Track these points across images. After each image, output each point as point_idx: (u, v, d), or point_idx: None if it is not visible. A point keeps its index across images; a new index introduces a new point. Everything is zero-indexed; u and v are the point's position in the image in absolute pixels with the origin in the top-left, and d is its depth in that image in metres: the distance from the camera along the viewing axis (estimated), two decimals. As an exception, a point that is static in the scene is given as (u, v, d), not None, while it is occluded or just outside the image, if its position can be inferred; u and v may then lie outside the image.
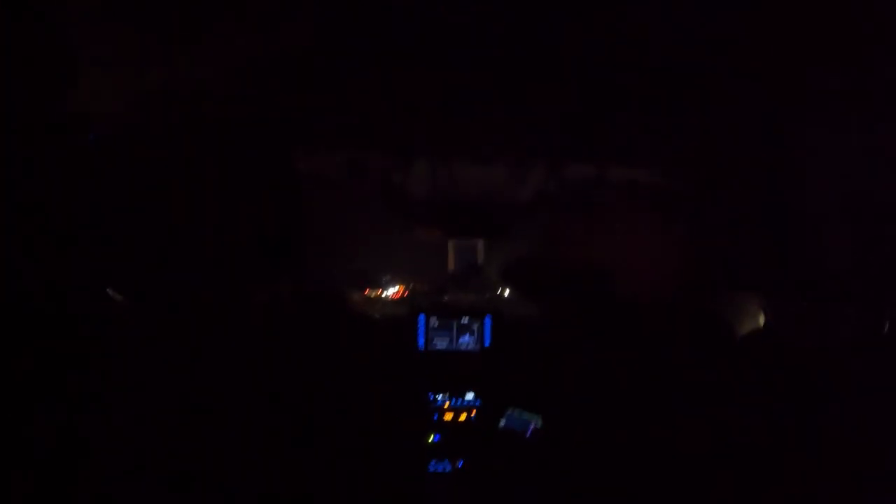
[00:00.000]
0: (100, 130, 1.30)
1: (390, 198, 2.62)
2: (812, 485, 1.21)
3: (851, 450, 1.23)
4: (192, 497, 1.14)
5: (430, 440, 2.95)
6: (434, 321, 3.08)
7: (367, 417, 1.46)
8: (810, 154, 1.64)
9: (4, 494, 1.03)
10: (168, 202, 1.27)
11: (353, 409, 1.43)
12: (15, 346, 1.10)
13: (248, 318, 1.38)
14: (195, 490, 1.14)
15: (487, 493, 2.40)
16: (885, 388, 1.28)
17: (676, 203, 1.72)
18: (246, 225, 1.32)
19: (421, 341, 3.07)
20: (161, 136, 1.33)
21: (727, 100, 1.52)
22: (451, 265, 3.99)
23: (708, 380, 1.37)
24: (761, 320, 1.79)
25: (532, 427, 2.54)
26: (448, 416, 2.99)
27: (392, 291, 5.53)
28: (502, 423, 2.66)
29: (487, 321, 3.08)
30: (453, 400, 3.02)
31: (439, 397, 3.01)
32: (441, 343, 3.08)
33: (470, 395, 3.02)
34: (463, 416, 3.00)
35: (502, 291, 3.93)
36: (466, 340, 3.09)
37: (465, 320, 3.09)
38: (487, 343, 3.08)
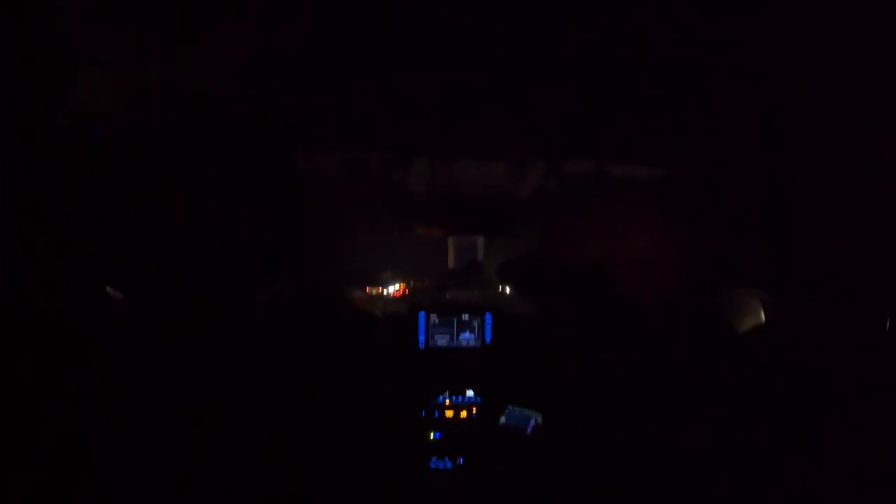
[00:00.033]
0: (100, 130, 1.29)
1: (390, 197, 2.61)
2: (812, 485, 1.21)
3: (851, 450, 1.23)
4: (192, 497, 1.14)
5: (430, 437, 2.95)
6: (434, 319, 3.08)
7: (367, 415, 1.47)
8: (810, 154, 1.64)
9: (5, 494, 1.03)
10: (168, 202, 1.27)
11: (353, 408, 1.43)
12: (15, 346, 1.10)
13: (248, 318, 1.38)
14: (195, 490, 1.14)
15: (488, 490, 2.39)
16: (885, 388, 1.28)
17: (676, 202, 1.72)
18: (246, 225, 1.32)
19: (421, 339, 3.07)
20: (161, 136, 1.33)
21: (727, 100, 1.52)
22: (451, 263, 3.99)
23: (708, 379, 1.37)
24: (761, 319, 1.79)
25: (532, 423, 2.54)
26: (448, 414, 2.99)
27: (392, 289, 5.53)
28: (503, 420, 2.66)
29: (488, 318, 3.08)
30: (453, 397, 3.02)
31: (440, 394, 3.01)
32: (441, 340, 3.08)
33: (470, 393, 3.02)
34: (463, 414, 3.00)
35: (503, 289, 3.92)
36: (467, 338, 3.08)
37: (465, 318, 3.09)
38: (488, 340, 3.08)
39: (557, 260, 1.67)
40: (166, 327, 1.24)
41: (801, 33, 1.24)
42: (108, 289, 1.32)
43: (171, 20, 1.23)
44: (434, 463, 2.87)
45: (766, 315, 1.77)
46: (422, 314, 3.07)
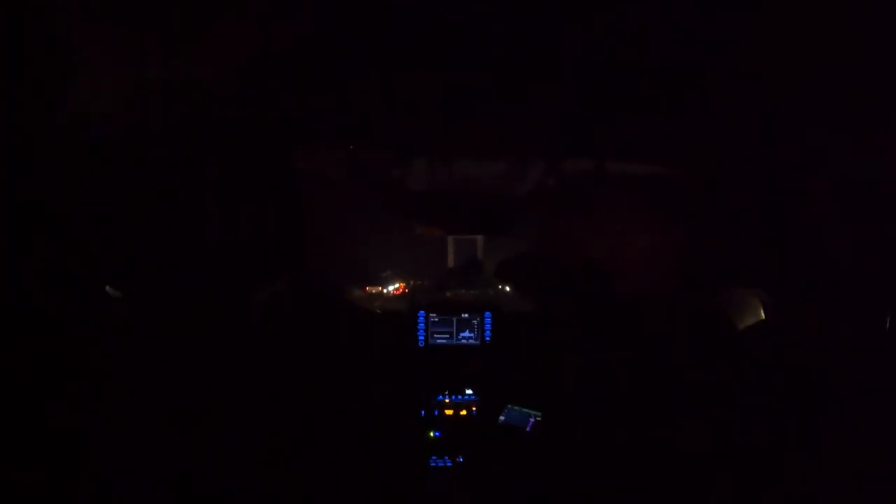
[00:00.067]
0: (100, 130, 1.29)
1: (390, 197, 2.62)
2: (812, 485, 1.21)
3: (851, 450, 1.23)
4: (192, 497, 1.14)
5: (430, 436, 2.95)
6: (434, 317, 3.09)
7: (367, 414, 1.47)
8: (810, 154, 1.64)
9: (5, 494, 1.03)
10: (168, 202, 1.27)
11: (353, 407, 1.43)
12: (15, 346, 1.10)
13: (248, 318, 1.38)
14: (195, 490, 1.14)
15: (488, 488, 2.40)
16: (885, 388, 1.28)
17: (676, 202, 1.72)
18: (246, 224, 1.32)
19: (421, 338, 3.08)
20: (161, 136, 1.33)
21: (727, 100, 1.52)
22: (451, 262, 4.00)
23: (708, 379, 1.37)
24: (761, 319, 1.79)
25: (532, 422, 2.54)
26: (448, 412, 3.00)
27: (392, 288, 5.54)
28: (502, 418, 2.67)
29: (487, 317, 3.08)
30: (453, 396, 3.02)
31: (439, 393, 3.02)
32: (441, 339, 3.09)
33: (470, 391, 3.03)
34: (463, 412, 3.00)
35: (502, 287, 3.93)
36: (466, 336, 3.09)
37: (464, 316, 3.10)
38: (487, 339, 3.08)
39: (556, 259, 1.68)
40: (166, 327, 1.24)
41: (800, 33, 1.24)
42: (108, 289, 1.32)
43: (171, 20, 1.23)
44: (434, 461, 2.88)
45: (766, 315, 1.77)
46: (421, 313, 3.08)
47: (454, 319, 3.09)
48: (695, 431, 1.30)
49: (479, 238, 4.01)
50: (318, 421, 1.32)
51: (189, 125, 1.35)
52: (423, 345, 3.07)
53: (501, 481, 2.06)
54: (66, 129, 1.22)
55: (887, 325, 1.49)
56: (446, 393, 3.01)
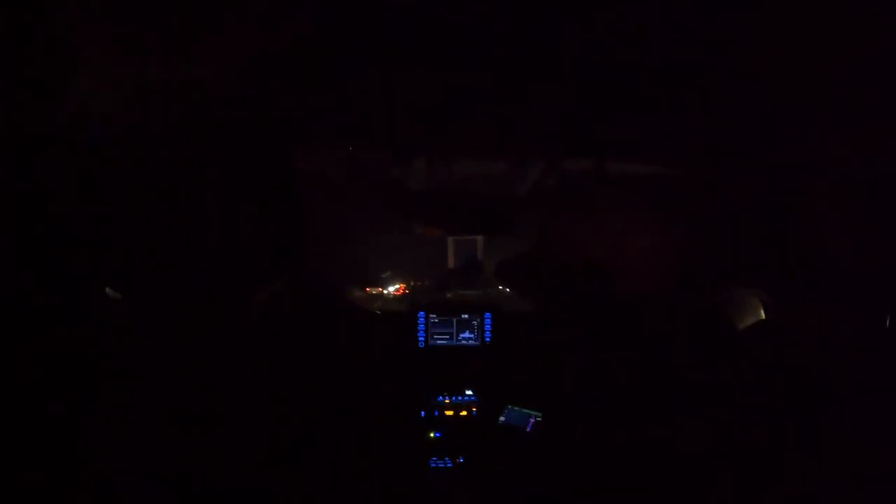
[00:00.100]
0: (100, 130, 1.29)
1: (390, 197, 2.62)
2: (812, 485, 1.21)
3: (851, 450, 1.23)
4: (192, 497, 1.14)
5: (430, 437, 2.95)
6: (434, 318, 3.09)
7: (367, 415, 1.47)
8: (810, 153, 1.64)
9: (5, 494, 1.03)
10: (167, 202, 1.27)
11: (353, 407, 1.43)
12: (15, 346, 1.10)
13: (248, 318, 1.38)
14: (195, 490, 1.14)
15: (488, 489, 2.40)
16: (885, 388, 1.28)
17: (676, 202, 1.72)
18: (246, 224, 1.32)
19: (421, 338, 3.08)
20: (161, 136, 1.33)
21: (727, 100, 1.52)
22: (451, 262, 4.00)
23: (708, 379, 1.37)
24: (761, 319, 1.79)
25: (532, 422, 2.54)
26: (448, 413, 3.00)
27: (393, 289, 5.55)
28: (502, 418, 2.67)
29: (487, 318, 3.09)
30: (453, 396, 3.02)
31: (439, 394, 3.02)
32: (441, 340, 3.09)
33: (470, 392, 3.03)
34: (463, 413, 3.00)
35: (502, 288, 3.93)
36: (466, 337, 3.09)
37: (464, 317, 3.10)
38: (487, 340, 3.08)
39: (556, 259, 1.67)
40: (166, 327, 1.24)
41: (800, 33, 1.24)
42: (108, 290, 1.32)
43: (171, 20, 1.23)
44: (434, 462, 2.88)
45: (766, 315, 1.77)
46: (421, 314, 3.08)
47: (454, 320, 3.09)
48: (695, 431, 1.30)
49: (479, 238, 4.01)
50: (318, 421, 1.32)
51: (189, 125, 1.35)
52: (423, 345, 3.07)
53: (501, 482, 2.06)
54: (66, 129, 1.22)
55: (887, 325, 1.49)
56: (446, 394, 3.02)
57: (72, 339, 1.16)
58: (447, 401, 3.02)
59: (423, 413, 2.99)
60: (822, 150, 1.62)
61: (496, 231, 3.23)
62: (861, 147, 1.56)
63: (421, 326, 3.08)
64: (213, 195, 1.28)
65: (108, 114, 1.32)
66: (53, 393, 1.10)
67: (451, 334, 3.09)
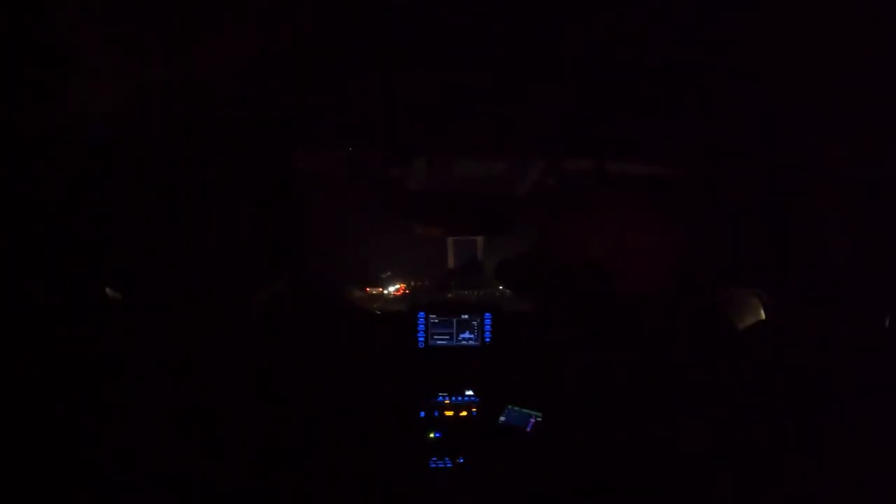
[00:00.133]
0: (100, 130, 1.29)
1: (390, 197, 2.62)
2: (812, 485, 1.21)
3: (851, 450, 1.23)
4: (192, 497, 1.14)
5: (430, 437, 2.96)
6: (434, 318, 3.10)
7: (367, 415, 1.47)
8: (810, 153, 1.64)
9: (5, 494, 1.03)
10: (167, 202, 1.27)
11: (353, 407, 1.43)
12: (15, 346, 1.10)
13: (248, 318, 1.38)
14: (195, 490, 1.14)
15: (488, 489, 2.40)
16: (885, 388, 1.28)
17: (676, 202, 1.72)
18: (246, 224, 1.32)
19: (421, 339, 3.08)
20: (161, 136, 1.33)
21: (727, 100, 1.52)
22: (451, 263, 4.00)
23: (708, 379, 1.37)
24: (762, 318, 1.79)
25: (532, 422, 2.55)
26: (448, 413, 3.00)
27: (393, 289, 5.55)
28: (502, 419, 2.67)
29: (487, 318, 3.09)
30: (453, 397, 3.03)
31: (439, 394, 3.02)
32: (441, 340, 3.09)
33: (470, 392, 3.03)
34: (463, 413, 3.01)
35: (502, 289, 3.93)
36: (466, 337, 3.09)
37: (464, 317, 3.11)
38: (487, 340, 3.09)
39: (556, 259, 1.67)
40: (166, 327, 1.24)
41: (800, 33, 1.24)
42: (108, 289, 1.32)
43: (171, 20, 1.23)
44: (434, 462, 2.88)
45: (766, 315, 1.77)
46: (421, 314, 3.09)
47: (454, 321, 3.10)
48: (695, 431, 1.30)
49: (479, 238, 4.01)
50: (318, 421, 1.32)
51: (189, 125, 1.35)
52: (422, 346, 3.07)
53: (501, 482, 2.06)
54: (66, 129, 1.22)
55: (887, 325, 1.49)
56: (446, 394, 3.02)
57: (72, 339, 1.16)
58: (447, 401, 3.02)
59: (422, 413, 2.99)
60: (822, 150, 1.62)
61: (496, 231, 3.23)
62: (861, 147, 1.57)
63: (421, 327, 3.08)
64: (213, 195, 1.28)
65: (108, 114, 1.32)
66: (53, 393, 1.10)
67: (450, 334, 3.10)
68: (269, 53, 1.34)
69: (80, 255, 1.22)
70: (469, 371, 3.06)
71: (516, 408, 2.65)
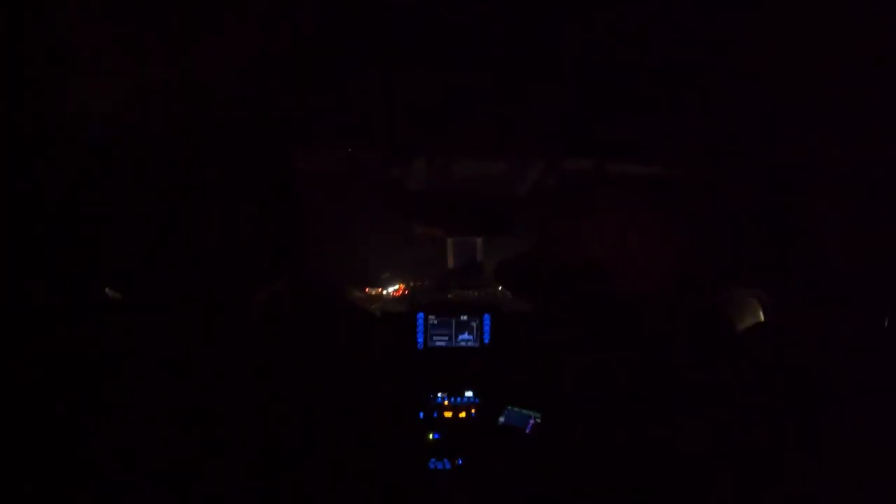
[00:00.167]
0: (100, 130, 1.29)
1: (390, 197, 2.62)
2: (812, 485, 1.21)
3: (851, 450, 1.23)
4: (192, 497, 1.14)
5: (429, 438, 2.95)
6: (433, 319, 3.09)
7: (367, 415, 1.46)
8: (810, 153, 1.64)
9: (5, 494, 1.03)
10: (167, 202, 1.27)
11: (352, 408, 1.43)
12: (15, 346, 1.10)
13: (248, 318, 1.38)
14: (195, 490, 1.14)
15: (488, 490, 2.40)
16: (886, 388, 1.28)
17: (676, 202, 1.72)
18: (246, 224, 1.32)
19: (420, 339, 3.08)
20: (161, 136, 1.33)
21: (727, 100, 1.52)
22: (450, 263, 3.99)
23: (708, 379, 1.37)
24: (761, 319, 1.79)
25: (532, 423, 2.54)
26: (447, 414, 3.00)
27: (392, 289, 5.54)
28: (502, 420, 2.66)
29: (486, 319, 3.09)
30: (452, 398, 3.02)
31: (438, 395, 3.01)
32: (440, 341, 3.09)
33: (469, 393, 3.03)
34: (462, 414, 3.00)
35: (502, 289, 3.93)
36: (466, 338, 3.09)
37: (464, 318, 3.10)
38: (487, 341, 3.08)
39: (556, 259, 1.67)
40: (166, 327, 1.24)
41: (800, 33, 1.24)
42: (108, 289, 1.32)
43: (171, 20, 1.23)
44: (433, 463, 2.88)
45: (765, 315, 1.77)
46: (420, 315, 3.08)
47: (453, 322, 3.09)
48: (695, 431, 1.30)
49: (479, 239, 4.01)
50: (317, 422, 1.32)
51: (189, 125, 1.35)
52: (422, 347, 3.07)
53: (501, 483, 2.06)
54: (66, 129, 1.22)
55: (887, 325, 1.49)
56: (446, 395, 3.01)
57: (72, 339, 1.16)
58: (446, 402, 3.02)
59: (421, 414, 2.99)
60: (822, 150, 1.62)
61: (496, 231, 3.23)
62: (861, 147, 1.57)
63: (420, 328, 3.08)
64: (212, 195, 1.28)
65: (108, 114, 1.32)
66: (53, 393, 1.10)
67: (450, 336, 3.09)
68: (269, 53, 1.34)
69: (80, 255, 1.22)
70: (468, 372, 3.06)
71: (516, 409, 2.64)
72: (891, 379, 1.30)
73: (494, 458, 2.58)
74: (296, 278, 1.50)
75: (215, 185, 1.29)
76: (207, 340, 1.25)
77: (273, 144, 1.43)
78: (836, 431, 1.25)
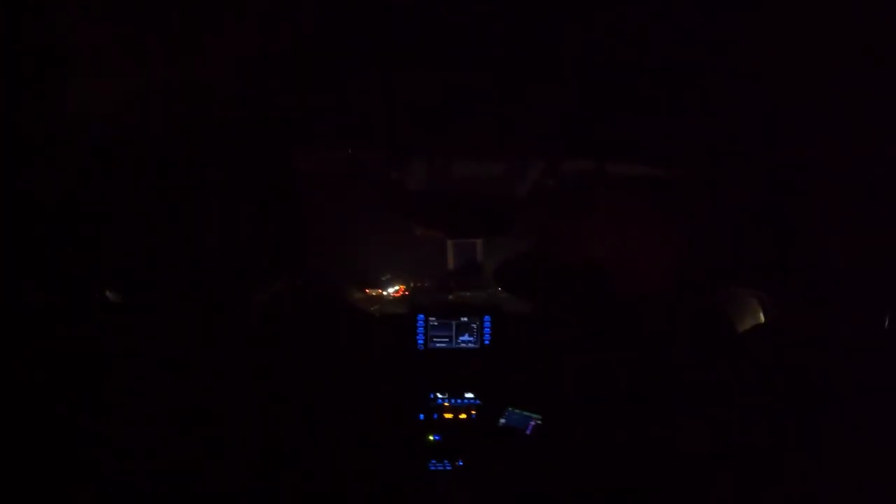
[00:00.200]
0: (100, 130, 1.30)
1: (390, 197, 2.61)
2: (812, 485, 1.21)
3: (851, 450, 1.23)
4: (192, 497, 1.14)
5: (430, 439, 2.95)
6: (433, 320, 3.09)
7: (367, 416, 1.47)
8: (810, 153, 1.64)
9: (5, 494, 1.03)
10: (167, 202, 1.27)
11: (352, 409, 1.43)
12: (15, 346, 1.10)
13: (248, 318, 1.38)
14: (195, 490, 1.14)
15: (488, 491, 2.39)
16: (886, 388, 1.28)
17: (676, 202, 1.72)
18: (246, 224, 1.32)
19: (420, 340, 3.07)
20: (161, 136, 1.33)
21: (727, 100, 1.52)
22: (450, 264, 4.00)
23: (708, 379, 1.37)
24: (761, 319, 1.79)
25: (532, 424, 2.54)
26: (448, 416, 2.99)
27: (392, 290, 5.55)
28: (502, 421, 2.66)
29: (486, 321, 3.08)
30: (453, 399, 3.02)
31: (439, 396, 3.01)
32: (440, 342, 3.08)
33: (469, 395, 3.02)
34: (463, 415, 3.00)
35: (502, 290, 3.94)
36: (466, 339, 3.08)
37: (464, 320, 3.10)
38: (487, 342, 3.08)
39: (556, 260, 1.67)
40: (166, 327, 1.24)
41: (800, 33, 1.24)
42: (108, 290, 1.33)
43: (172, 20, 1.23)
44: (433, 465, 2.87)
45: (765, 315, 1.77)
46: (420, 317, 3.07)
47: (453, 323, 3.09)
48: (695, 431, 1.30)
49: (479, 240, 4.01)
50: (317, 422, 1.32)
51: (189, 125, 1.35)
52: (422, 348, 3.06)
53: (502, 484, 2.06)
54: (66, 129, 1.22)
55: (887, 325, 1.49)
56: (446, 396, 3.01)
57: (72, 339, 1.16)
58: (446, 403, 3.01)
59: (421, 416, 2.98)
60: (822, 150, 1.62)
61: (496, 232, 3.22)
62: (861, 147, 1.56)
63: (420, 329, 3.07)
64: (213, 195, 1.29)
65: (108, 114, 1.32)
66: (53, 393, 1.10)
67: (450, 337, 3.09)
68: (269, 53, 1.34)
69: (80, 256, 1.22)
70: (469, 373, 3.05)
71: (516, 410, 2.64)
72: (891, 379, 1.30)
73: (495, 459, 2.57)
74: (296, 278, 1.50)
75: (215, 186, 1.29)
76: (207, 340, 1.25)
77: (273, 144, 1.43)
78: (836, 431, 1.25)
